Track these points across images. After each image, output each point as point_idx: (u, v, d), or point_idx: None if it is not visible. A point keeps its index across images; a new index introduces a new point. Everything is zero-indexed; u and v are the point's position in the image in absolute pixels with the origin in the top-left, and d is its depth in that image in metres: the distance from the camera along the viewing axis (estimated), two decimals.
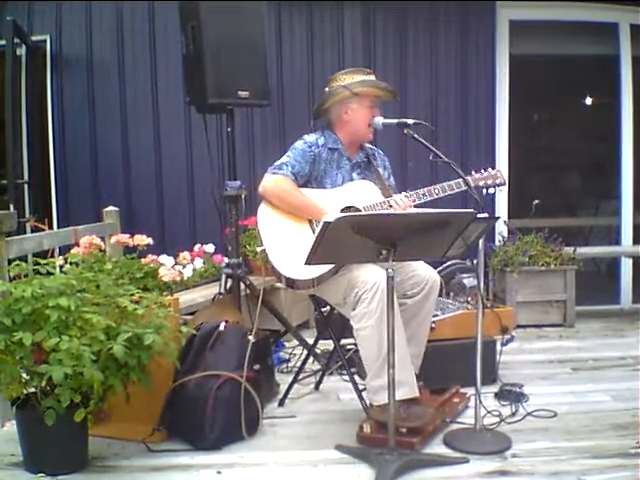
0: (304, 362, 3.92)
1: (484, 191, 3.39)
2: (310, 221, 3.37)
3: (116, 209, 5.12)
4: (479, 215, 2.86)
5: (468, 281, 4.48)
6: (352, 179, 3.54)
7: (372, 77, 3.50)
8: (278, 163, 3.43)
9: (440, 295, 3.57)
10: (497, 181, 3.40)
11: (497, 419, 3.36)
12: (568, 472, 2.80)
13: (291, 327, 4.29)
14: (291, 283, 3.30)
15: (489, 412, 3.38)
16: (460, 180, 3.33)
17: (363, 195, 3.46)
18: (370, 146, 3.73)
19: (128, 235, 4.25)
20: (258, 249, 3.39)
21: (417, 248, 2.85)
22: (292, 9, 5.83)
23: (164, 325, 2.96)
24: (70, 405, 2.72)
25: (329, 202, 3.38)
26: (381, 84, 3.49)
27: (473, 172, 3.40)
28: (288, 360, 4.54)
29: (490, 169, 3.44)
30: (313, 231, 3.31)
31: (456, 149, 5.86)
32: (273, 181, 3.39)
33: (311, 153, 3.44)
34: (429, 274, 3.34)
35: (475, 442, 3.09)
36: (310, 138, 3.51)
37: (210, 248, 4.97)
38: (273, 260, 3.29)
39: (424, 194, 3.40)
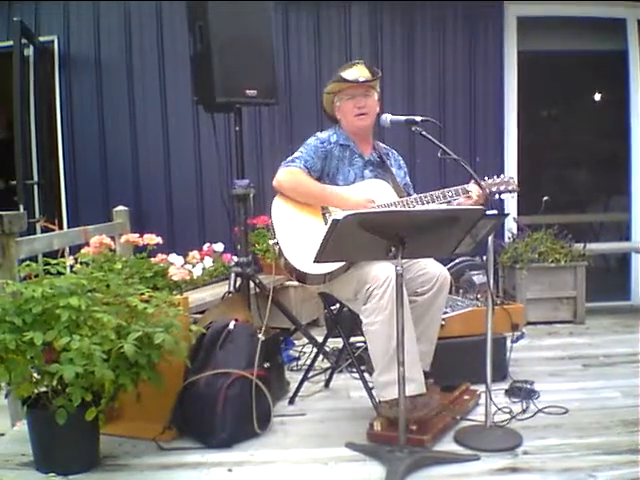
0: (314, 360, 3.92)
1: (496, 196, 3.37)
2: (324, 215, 3.38)
3: (125, 209, 5.15)
4: (488, 212, 2.85)
5: (477, 278, 4.46)
6: (364, 177, 3.54)
7: (354, 68, 3.50)
8: (291, 158, 3.44)
9: (450, 292, 3.56)
10: (510, 187, 3.37)
11: (508, 416, 3.35)
12: (579, 469, 2.80)
13: (300, 325, 4.29)
14: (303, 278, 3.29)
15: (500, 409, 3.38)
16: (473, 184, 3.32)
17: (377, 194, 3.45)
18: (385, 146, 3.74)
19: (138, 234, 4.27)
20: (271, 242, 3.39)
21: (426, 245, 2.85)
22: (299, 7, 5.83)
23: (174, 324, 2.97)
24: (81, 404, 2.72)
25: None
26: (338, 76, 3.48)
27: (486, 178, 3.38)
28: (298, 358, 4.55)
29: (503, 175, 3.42)
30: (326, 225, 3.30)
31: (464, 146, 5.85)
32: (288, 173, 3.39)
33: (323, 149, 3.46)
34: (439, 271, 3.33)
35: (486, 439, 3.08)
36: (322, 135, 3.54)
37: (219, 247, 4.97)
38: (286, 253, 3.28)
39: (438, 197, 3.38)
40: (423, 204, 3.36)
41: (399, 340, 2.76)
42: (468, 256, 4.54)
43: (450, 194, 3.37)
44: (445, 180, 5.62)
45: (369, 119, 3.53)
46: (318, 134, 3.55)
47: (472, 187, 3.35)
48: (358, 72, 3.49)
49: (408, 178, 3.75)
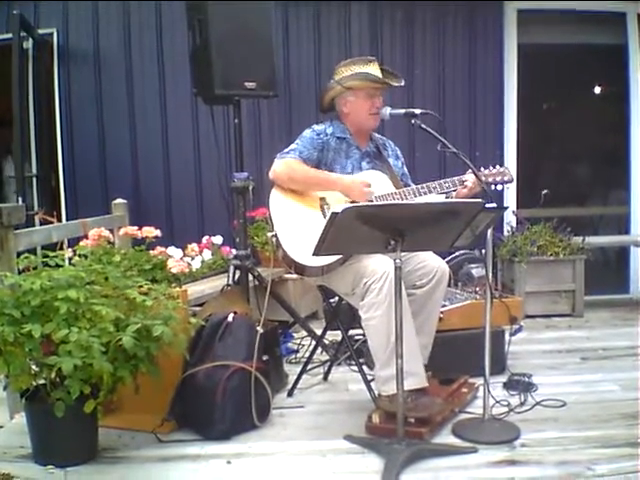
0: (312, 353, 3.93)
1: (492, 187, 3.38)
2: (322, 207, 3.37)
3: (124, 201, 5.14)
4: (487, 205, 2.85)
5: (476, 271, 4.48)
6: (361, 168, 3.54)
7: (370, 66, 3.48)
8: (286, 150, 3.44)
9: (448, 285, 3.56)
10: (505, 178, 3.39)
11: (506, 409, 3.36)
12: (577, 461, 2.80)
13: (299, 318, 4.29)
14: (301, 270, 3.29)
15: (498, 402, 3.38)
16: (470, 174, 3.32)
17: (374, 185, 3.45)
18: (380, 136, 3.74)
19: (136, 227, 4.27)
20: (269, 234, 3.39)
21: (425, 238, 2.84)
22: (299, 3, 5.81)
23: (173, 316, 2.97)
24: (80, 396, 2.73)
25: None
26: (370, 75, 3.45)
27: (482, 168, 3.39)
28: (297, 351, 4.56)
29: (498, 166, 3.43)
30: (324, 216, 3.30)
31: (464, 139, 5.84)
32: (283, 164, 3.39)
33: (319, 140, 3.46)
34: (438, 264, 3.33)
35: (484, 432, 3.09)
36: (318, 127, 3.53)
37: (218, 240, 4.97)
38: (284, 245, 3.28)
39: (435, 187, 3.38)
40: (420, 195, 3.36)
41: (398, 333, 2.76)
42: (467, 249, 4.54)
43: (447, 185, 3.38)
44: (445, 174, 5.61)
45: (379, 118, 3.54)
46: (314, 126, 3.54)
47: (468, 177, 3.36)
48: (377, 71, 3.49)
49: (405, 168, 3.75)
